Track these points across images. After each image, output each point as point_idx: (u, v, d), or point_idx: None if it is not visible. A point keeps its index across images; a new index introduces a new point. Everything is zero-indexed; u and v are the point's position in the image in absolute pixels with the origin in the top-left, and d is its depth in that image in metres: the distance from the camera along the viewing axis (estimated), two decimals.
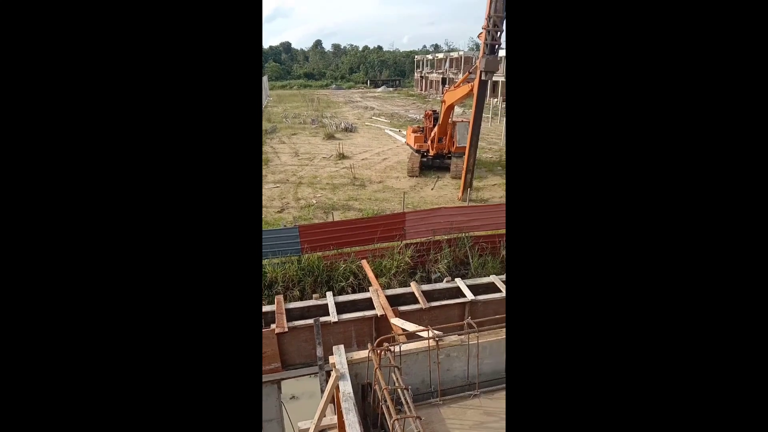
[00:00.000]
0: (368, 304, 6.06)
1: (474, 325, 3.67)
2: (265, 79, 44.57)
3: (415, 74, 63.89)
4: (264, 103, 37.84)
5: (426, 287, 6.34)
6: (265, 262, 8.20)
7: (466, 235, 10.57)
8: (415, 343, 3.79)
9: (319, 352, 5.45)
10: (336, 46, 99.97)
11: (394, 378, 3.14)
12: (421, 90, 57.73)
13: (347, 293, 7.05)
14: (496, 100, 40.30)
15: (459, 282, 6.36)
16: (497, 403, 3.63)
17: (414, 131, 18.01)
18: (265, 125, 26.88)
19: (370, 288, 6.51)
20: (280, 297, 6.46)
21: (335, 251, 9.17)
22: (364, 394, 3.66)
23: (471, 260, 10.36)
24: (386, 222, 10.11)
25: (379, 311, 5.83)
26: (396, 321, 5.14)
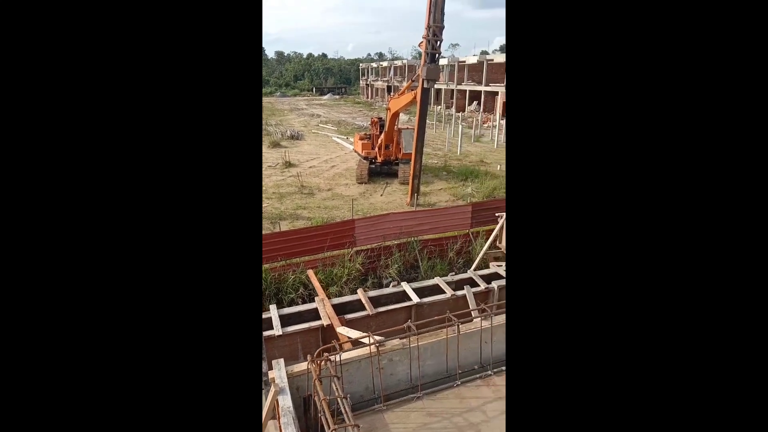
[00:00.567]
0: (315, 314, 5.95)
1: (414, 327, 3.72)
2: None
3: (361, 82, 64.35)
4: None
5: (373, 293, 6.35)
6: None
7: (415, 239, 10.75)
8: (357, 350, 3.76)
9: (264, 367, 5.25)
10: (279, 54, 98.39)
11: (334, 388, 3.09)
12: (367, 97, 58.23)
13: (297, 305, 6.89)
14: (439, 107, 41.60)
15: (405, 286, 6.43)
16: (440, 403, 3.69)
17: (361, 138, 18.10)
18: None
19: (316, 298, 6.41)
20: None
21: (283, 262, 8.94)
22: (306, 406, 3.57)
23: (421, 264, 10.54)
24: (336, 230, 10.03)
25: (325, 321, 5.74)
26: (341, 330, 5.08)
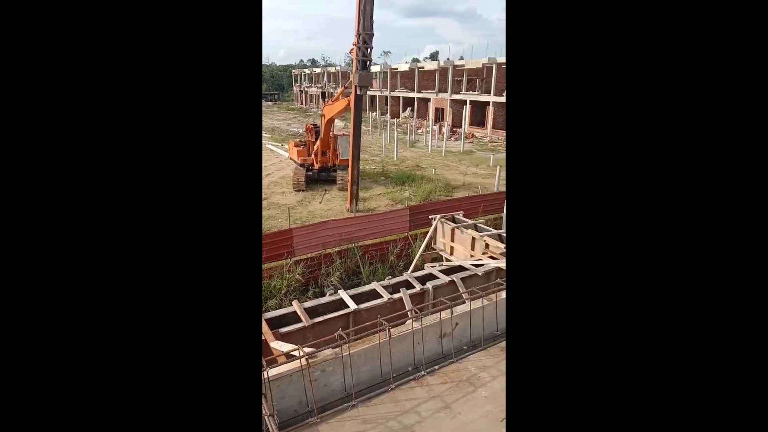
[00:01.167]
0: None
1: (345, 336, 3.70)
2: None
3: (294, 88, 63.36)
4: None
5: (309, 304, 6.23)
6: None
7: (356, 245, 10.74)
8: (288, 364, 3.66)
9: None
10: None
11: (263, 407, 2.98)
12: (302, 104, 57.43)
13: None
14: (374, 113, 42.16)
15: (342, 293, 6.39)
16: (375, 409, 3.70)
17: (296, 145, 17.78)
18: None
19: None
20: None
21: None
22: None
23: (362, 269, 10.55)
24: (273, 240, 9.72)
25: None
26: (275, 344, 4.92)
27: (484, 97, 31.46)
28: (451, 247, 9.45)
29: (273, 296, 8.94)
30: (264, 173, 19.26)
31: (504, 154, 24.17)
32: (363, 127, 14.94)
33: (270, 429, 2.77)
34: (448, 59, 36.32)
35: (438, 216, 9.78)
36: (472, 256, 8.62)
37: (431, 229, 9.68)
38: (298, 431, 3.40)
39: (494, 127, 30.77)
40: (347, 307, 6.06)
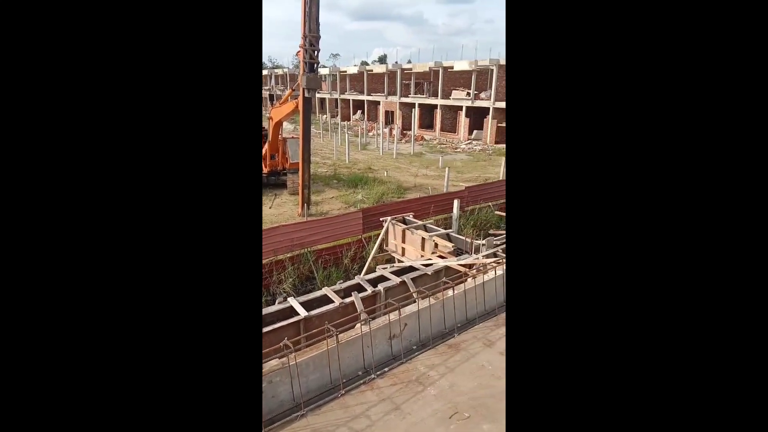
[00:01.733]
0: None
1: (290, 345, 3.63)
2: None
3: None
4: None
5: None
6: None
7: (309, 250, 10.57)
8: None
9: None
10: None
11: None
12: None
13: None
14: (324, 116, 41.86)
15: (292, 301, 6.26)
16: (324, 417, 3.66)
17: None
18: None
19: None
20: None
21: None
22: None
23: (316, 274, 10.39)
24: None
25: None
26: None
27: (432, 100, 32.26)
28: (403, 248, 9.59)
29: None
30: None
31: (452, 156, 24.92)
32: (313, 130, 14.77)
33: None
34: (396, 62, 36.85)
35: (389, 218, 9.88)
36: (422, 256, 8.79)
37: (383, 231, 9.76)
38: None
39: (442, 129, 31.64)
40: (297, 314, 5.94)
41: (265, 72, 52.75)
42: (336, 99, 44.10)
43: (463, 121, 29.81)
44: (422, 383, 4.17)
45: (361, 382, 4.11)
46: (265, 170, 16.50)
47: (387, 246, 10.07)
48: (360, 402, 3.84)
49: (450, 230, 9.86)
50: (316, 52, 11.94)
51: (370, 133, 33.50)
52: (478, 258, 7.62)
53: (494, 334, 5.12)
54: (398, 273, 7.38)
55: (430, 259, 8.22)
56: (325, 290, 6.60)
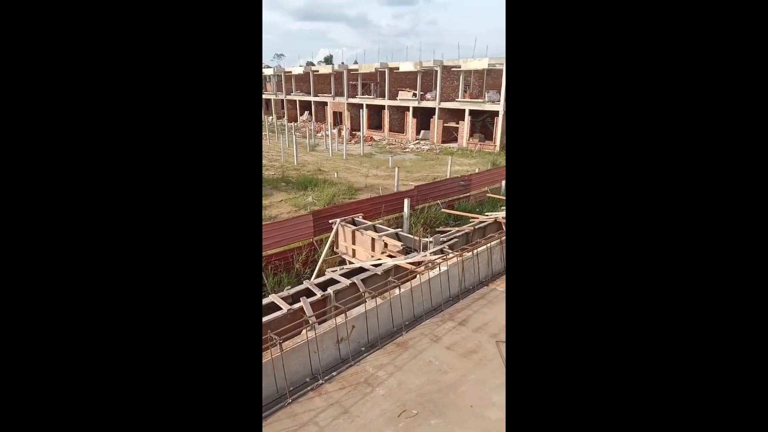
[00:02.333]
0: None
1: None
2: None
3: None
4: None
5: None
6: None
7: None
8: None
9: None
10: None
11: None
12: None
13: None
14: (271, 117, 40.79)
15: None
16: (271, 428, 3.56)
17: None
18: None
19: None
20: None
21: None
22: None
23: (266, 281, 10.08)
24: None
25: None
26: None
27: (379, 101, 32.48)
28: (353, 250, 9.57)
29: None
30: None
31: (401, 156, 25.27)
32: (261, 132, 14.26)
33: None
34: (342, 63, 36.69)
35: (338, 220, 9.81)
36: (372, 256, 8.82)
37: (332, 234, 9.68)
38: None
39: (391, 130, 31.98)
40: None
41: None
42: (282, 100, 43.09)
43: (410, 121, 30.30)
44: (371, 384, 4.18)
45: (309, 388, 4.05)
46: None
47: (337, 248, 10.00)
48: (308, 409, 3.78)
49: (399, 229, 9.98)
50: None
51: (319, 134, 33.11)
52: (426, 255, 7.78)
53: (440, 330, 5.25)
54: (348, 275, 7.35)
55: (379, 259, 8.27)
56: (272, 297, 6.42)
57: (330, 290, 6.78)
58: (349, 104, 34.86)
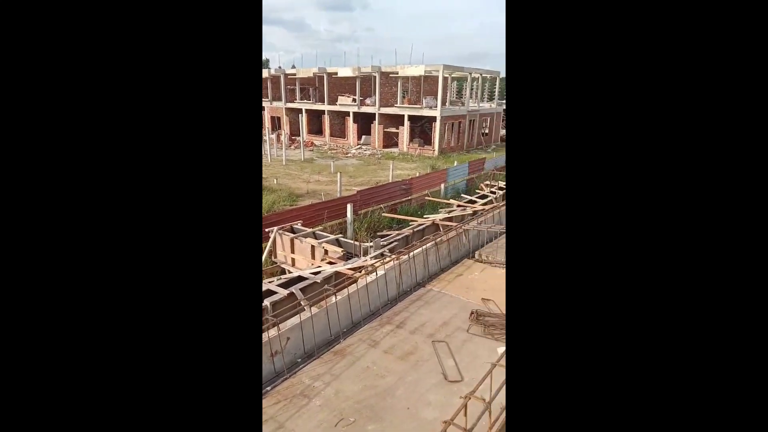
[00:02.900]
0: None
1: None
2: None
3: None
4: None
5: None
6: None
7: None
8: None
9: None
10: None
11: None
12: None
13: None
14: None
15: None
16: None
17: None
18: None
19: None
20: None
21: None
22: None
23: None
24: None
25: None
26: None
27: (319, 106, 32.19)
28: (292, 258, 9.34)
29: None
30: None
31: (343, 161, 25.22)
32: None
33: None
34: (279, 67, 35.90)
35: (275, 228, 9.53)
36: (312, 264, 8.67)
37: (269, 243, 9.38)
38: None
39: (332, 135, 31.81)
40: None
41: None
42: None
43: (351, 126, 30.35)
44: (307, 396, 4.09)
45: None
46: None
47: (276, 258, 9.70)
48: None
49: (340, 235, 9.91)
50: None
51: None
52: (366, 260, 7.79)
53: (379, 334, 5.28)
54: (286, 284, 7.16)
55: (319, 266, 8.15)
56: None
57: (267, 302, 6.55)
58: (287, 109, 34.15)
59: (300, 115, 31.98)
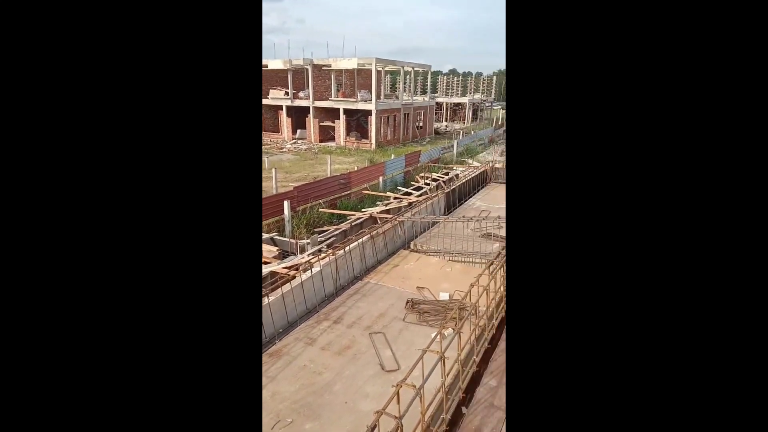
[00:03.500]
0: None
1: None
2: None
3: None
4: None
5: None
6: None
7: None
8: None
9: None
10: None
11: None
12: None
13: None
14: None
15: None
16: None
17: None
18: None
19: None
20: None
21: None
22: None
23: None
24: None
25: None
26: None
27: None
28: None
29: None
30: None
31: (278, 156, 24.47)
32: None
33: None
34: None
35: None
36: None
37: None
38: None
39: (265, 129, 30.69)
40: None
41: None
42: None
43: (285, 120, 29.49)
44: None
45: None
46: None
47: None
48: None
49: (275, 234, 9.64)
50: None
51: None
52: (303, 257, 7.67)
53: (316, 331, 5.24)
54: None
55: None
56: None
57: None
58: None
59: None
